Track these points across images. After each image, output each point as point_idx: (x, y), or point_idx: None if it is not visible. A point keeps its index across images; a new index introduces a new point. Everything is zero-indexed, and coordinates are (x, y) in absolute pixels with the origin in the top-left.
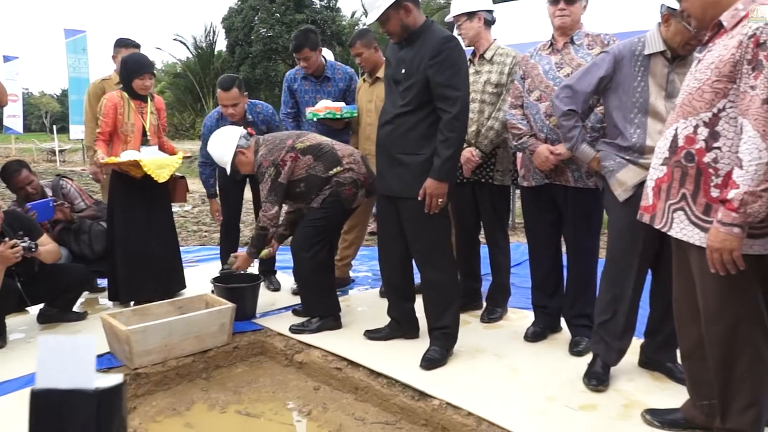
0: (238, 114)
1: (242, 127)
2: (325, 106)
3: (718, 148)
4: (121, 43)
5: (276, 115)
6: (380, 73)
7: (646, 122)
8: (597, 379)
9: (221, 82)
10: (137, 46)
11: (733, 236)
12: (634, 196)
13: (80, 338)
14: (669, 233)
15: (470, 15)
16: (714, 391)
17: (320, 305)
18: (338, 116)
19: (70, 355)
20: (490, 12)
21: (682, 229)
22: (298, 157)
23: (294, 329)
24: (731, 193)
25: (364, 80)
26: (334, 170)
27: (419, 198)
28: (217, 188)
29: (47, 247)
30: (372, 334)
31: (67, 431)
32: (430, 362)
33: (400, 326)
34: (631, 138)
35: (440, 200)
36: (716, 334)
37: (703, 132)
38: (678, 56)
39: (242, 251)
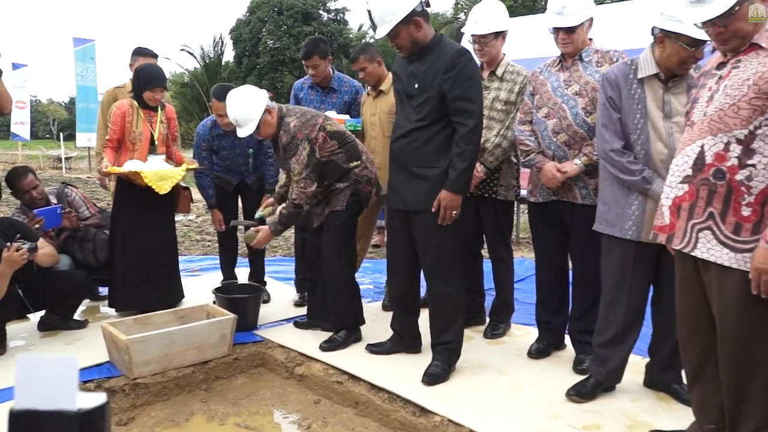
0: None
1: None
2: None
3: (753, 165)
4: (139, 52)
5: None
6: (384, 87)
7: (648, 142)
8: (577, 391)
9: (216, 92)
10: (155, 55)
11: None
12: (620, 216)
13: (62, 357)
14: (692, 254)
15: (497, 34)
16: (721, 415)
17: (352, 315)
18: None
19: (51, 374)
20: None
21: (709, 249)
22: (327, 140)
23: (325, 347)
24: None
25: (368, 94)
26: (354, 163)
27: (433, 210)
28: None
29: (44, 249)
30: (374, 348)
31: None
32: (432, 377)
33: (402, 340)
34: (637, 157)
35: (454, 212)
36: (732, 354)
37: (736, 149)
38: (671, 77)
39: (264, 226)
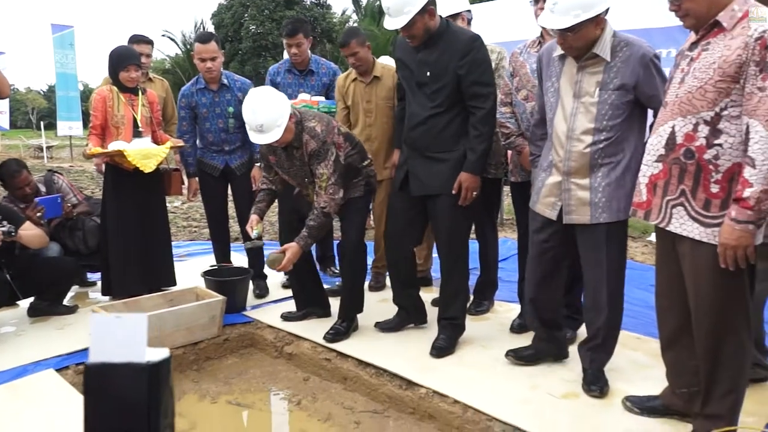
0: (216, 69)
1: (216, 89)
2: (301, 99)
3: (719, 145)
4: (133, 40)
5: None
6: (377, 72)
7: (554, 120)
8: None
9: (199, 36)
10: (150, 42)
11: (748, 233)
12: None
13: (131, 316)
14: (668, 228)
15: (454, 16)
16: (693, 379)
17: (360, 305)
18: (315, 110)
19: (122, 331)
20: (469, 11)
21: (682, 224)
22: (344, 142)
23: (329, 338)
24: (746, 192)
25: (355, 80)
26: (365, 162)
27: (454, 192)
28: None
29: (30, 232)
30: (383, 326)
31: (121, 401)
32: (440, 350)
33: (409, 314)
34: (548, 134)
35: (474, 193)
36: (707, 324)
37: (704, 130)
38: (582, 56)
39: (289, 244)
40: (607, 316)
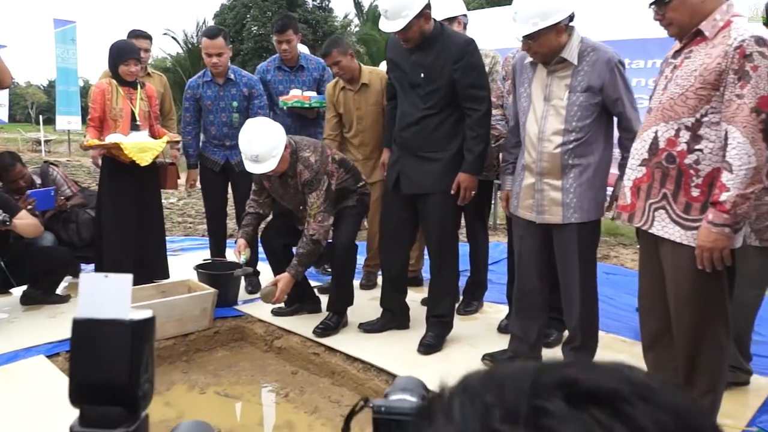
0: (222, 65)
1: (222, 82)
2: (293, 95)
3: (700, 150)
4: (133, 35)
5: (259, 84)
6: (365, 80)
7: (527, 123)
8: (492, 357)
9: (206, 31)
10: (149, 37)
11: (725, 236)
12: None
13: (118, 276)
14: (650, 231)
15: (450, 20)
16: (676, 379)
17: (349, 299)
18: (307, 105)
19: (108, 289)
20: (465, 15)
21: (664, 227)
22: (338, 169)
23: (319, 332)
24: (723, 196)
25: (344, 88)
26: (360, 183)
27: (453, 192)
28: (199, 179)
29: (25, 221)
30: (367, 327)
31: (104, 355)
32: (427, 347)
33: (395, 317)
34: (521, 137)
35: (473, 192)
36: (686, 324)
37: (685, 135)
38: (551, 61)
39: (284, 275)
40: (580, 315)
